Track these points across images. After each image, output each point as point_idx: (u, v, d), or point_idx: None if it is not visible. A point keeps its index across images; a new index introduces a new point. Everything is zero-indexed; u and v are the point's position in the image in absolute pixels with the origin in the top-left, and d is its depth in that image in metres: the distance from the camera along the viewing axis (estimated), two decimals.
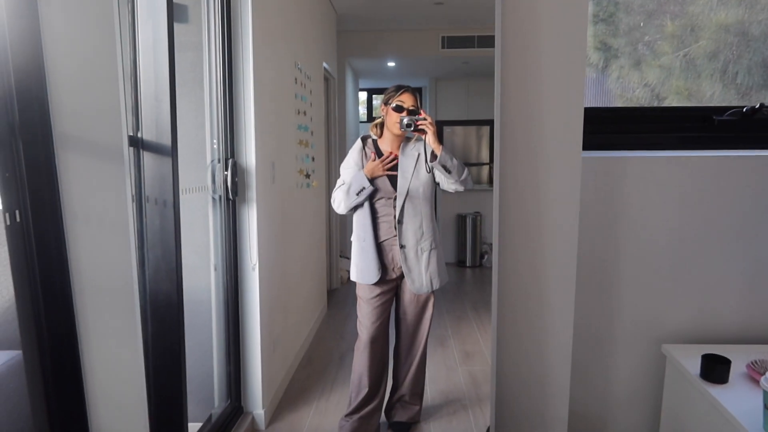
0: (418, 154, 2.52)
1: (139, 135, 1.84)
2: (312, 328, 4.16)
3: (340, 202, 2.54)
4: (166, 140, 1.83)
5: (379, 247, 2.56)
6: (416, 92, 2.51)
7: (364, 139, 2.61)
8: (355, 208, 2.56)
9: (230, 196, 2.59)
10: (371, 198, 2.52)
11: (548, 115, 1.27)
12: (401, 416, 2.79)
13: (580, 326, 1.66)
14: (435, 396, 3.17)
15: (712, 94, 2.40)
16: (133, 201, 1.86)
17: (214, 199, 2.58)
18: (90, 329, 1.43)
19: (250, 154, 2.66)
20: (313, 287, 4.28)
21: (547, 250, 1.42)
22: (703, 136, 1.74)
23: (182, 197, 2.20)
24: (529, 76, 1.26)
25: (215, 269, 2.69)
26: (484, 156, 8.34)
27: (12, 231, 1.33)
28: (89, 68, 1.36)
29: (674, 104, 2.31)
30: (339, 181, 2.59)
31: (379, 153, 2.57)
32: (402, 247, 2.52)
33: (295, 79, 3.61)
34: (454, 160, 2.44)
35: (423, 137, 2.45)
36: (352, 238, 2.63)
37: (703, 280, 1.67)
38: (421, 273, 2.55)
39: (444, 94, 8.28)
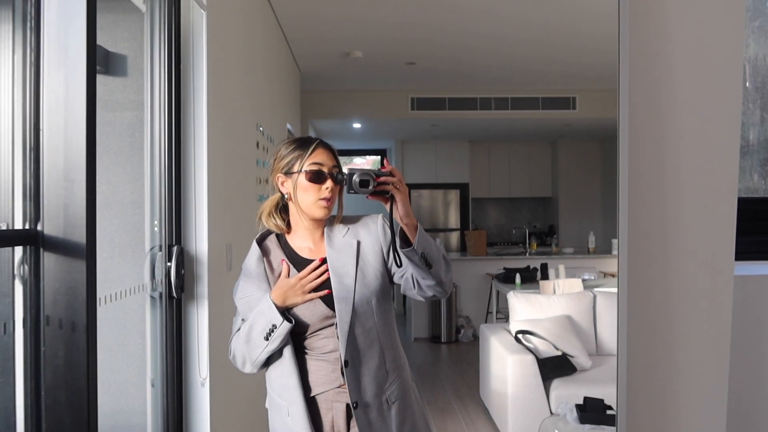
0: (358, 243, 1.55)
1: (38, 228, 1.30)
2: None
3: (243, 358, 1.53)
4: (79, 236, 1.29)
5: (312, 408, 1.52)
6: (331, 147, 1.58)
7: (261, 242, 1.60)
8: (269, 359, 1.53)
9: (174, 294, 2.03)
10: (295, 332, 1.50)
11: (689, 209, 0.84)
12: None
13: None
14: None
15: None
16: (25, 324, 1.30)
17: (153, 297, 2.02)
18: None
19: (201, 239, 2.13)
20: None
21: (684, 397, 0.95)
22: None
23: (106, 306, 1.64)
24: (664, 155, 0.83)
25: (153, 386, 2.10)
26: (453, 221, 7.98)
27: None
28: None
29: None
30: (236, 323, 1.60)
31: (293, 257, 1.57)
32: (355, 406, 1.48)
33: (257, 143, 3.14)
34: (435, 245, 1.51)
35: (386, 205, 1.47)
36: (266, 404, 1.62)
37: None
38: None
39: (411, 156, 7.97)
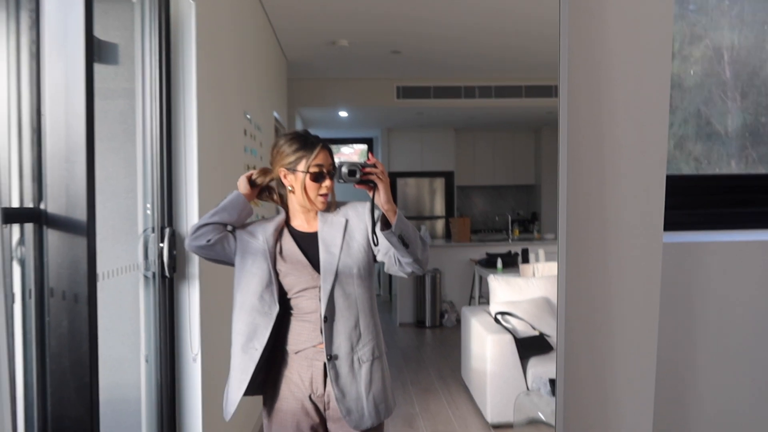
0: (346, 222, 1.81)
1: (41, 207, 1.39)
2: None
3: (193, 227, 1.83)
4: (80, 214, 1.39)
5: (292, 362, 1.80)
6: (326, 142, 1.83)
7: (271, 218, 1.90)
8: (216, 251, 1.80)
9: (167, 273, 2.13)
10: (287, 293, 1.80)
11: (624, 186, 0.96)
12: None
13: None
14: None
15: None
16: (30, 296, 1.40)
17: (146, 277, 2.12)
18: None
19: (192, 221, 2.22)
20: None
21: (618, 353, 1.07)
22: None
23: (103, 282, 1.74)
24: (602, 137, 0.95)
25: (146, 361, 2.21)
26: (439, 209, 8.08)
27: None
28: None
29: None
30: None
31: (292, 231, 1.85)
32: (330, 358, 1.74)
33: (245, 130, 3.22)
34: (413, 228, 1.73)
35: (370, 193, 1.73)
36: (233, 350, 1.83)
37: None
38: (360, 397, 1.75)
39: (397, 145, 8.04)
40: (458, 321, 6.06)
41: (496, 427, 3.41)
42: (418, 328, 6.36)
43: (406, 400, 4.00)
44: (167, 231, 2.13)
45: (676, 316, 1.20)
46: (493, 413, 3.42)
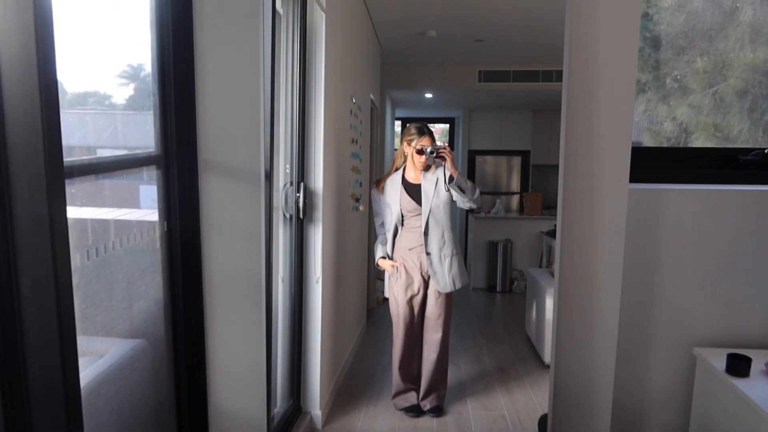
0: (437, 179, 3.13)
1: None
2: (355, 342, 4.43)
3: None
4: (266, 168, 2.14)
5: (410, 255, 3.19)
6: (432, 132, 3.19)
7: (385, 178, 3.31)
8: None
9: (300, 216, 2.90)
10: (403, 217, 3.21)
11: (601, 152, 1.56)
12: (430, 403, 3.30)
13: (624, 331, 1.94)
14: (475, 406, 3.40)
15: (739, 131, 2.63)
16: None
17: (285, 216, 2.89)
18: (215, 317, 1.73)
19: (318, 179, 2.97)
20: (357, 304, 4.56)
21: (598, 264, 1.69)
22: (731, 173, 2.02)
23: None
24: (588, 119, 1.55)
25: (282, 281, 2.99)
26: (515, 185, 8.60)
27: (163, 237, 1.65)
28: (234, 104, 1.69)
29: (701, 139, 2.51)
30: (377, 221, 3.37)
31: (405, 182, 3.22)
32: (428, 254, 3.14)
33: (350, 110, 3.95)
34: (468, 183, 3.06)
35: (443, 164, 3.06)
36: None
37: (730, 295, 1.96)
38: (444, 275, 3.16)
39: (477, 124, 8.60)
40: (526, 288, 6.62)
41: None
42: (489, 293, 7.02)
43: (475, 344, 4.67)
44: (301, 185, 2.90)
45: (640, 237, 1.81)
46: (549, 355, 4.03)
